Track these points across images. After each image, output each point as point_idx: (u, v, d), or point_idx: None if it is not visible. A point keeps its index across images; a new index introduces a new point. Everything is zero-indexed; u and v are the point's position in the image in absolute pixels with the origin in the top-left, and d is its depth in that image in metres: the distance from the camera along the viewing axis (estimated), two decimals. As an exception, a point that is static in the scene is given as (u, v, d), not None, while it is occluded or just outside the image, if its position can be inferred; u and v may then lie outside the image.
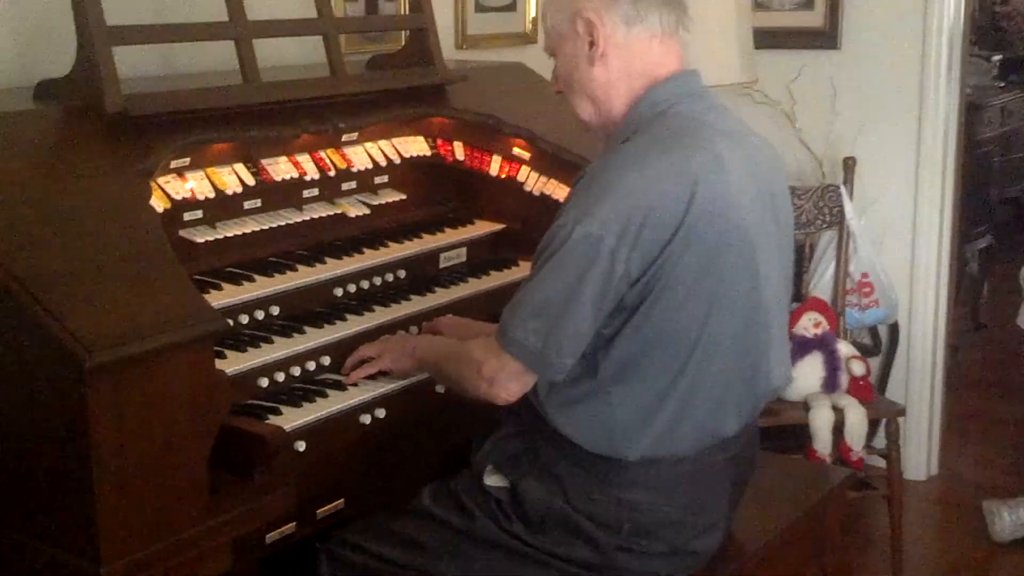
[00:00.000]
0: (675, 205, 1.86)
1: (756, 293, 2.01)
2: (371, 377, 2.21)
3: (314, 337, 2.19)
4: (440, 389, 2.31)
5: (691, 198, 1.87)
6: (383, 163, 2.52)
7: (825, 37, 3.99)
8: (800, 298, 3.64)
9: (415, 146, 2.61)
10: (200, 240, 2.21)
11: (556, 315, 1.89)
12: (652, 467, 2.00)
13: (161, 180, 2.08)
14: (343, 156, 2.43)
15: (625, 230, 1.84)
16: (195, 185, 2.15)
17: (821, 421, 3.21)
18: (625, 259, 1.85)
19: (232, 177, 2.22)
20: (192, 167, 2.16)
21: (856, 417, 3.24)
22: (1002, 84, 5.81)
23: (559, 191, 2.62)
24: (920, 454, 4.06)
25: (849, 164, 3.72)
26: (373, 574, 2.10)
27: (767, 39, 3.87)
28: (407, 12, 2.78)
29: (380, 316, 2.33)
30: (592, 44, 2.01)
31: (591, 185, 1.92)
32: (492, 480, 2.10)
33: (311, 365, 2.19)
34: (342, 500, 2.17)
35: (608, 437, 1.98)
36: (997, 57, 6.14)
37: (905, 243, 3.96)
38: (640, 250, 1.86)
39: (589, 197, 1.90)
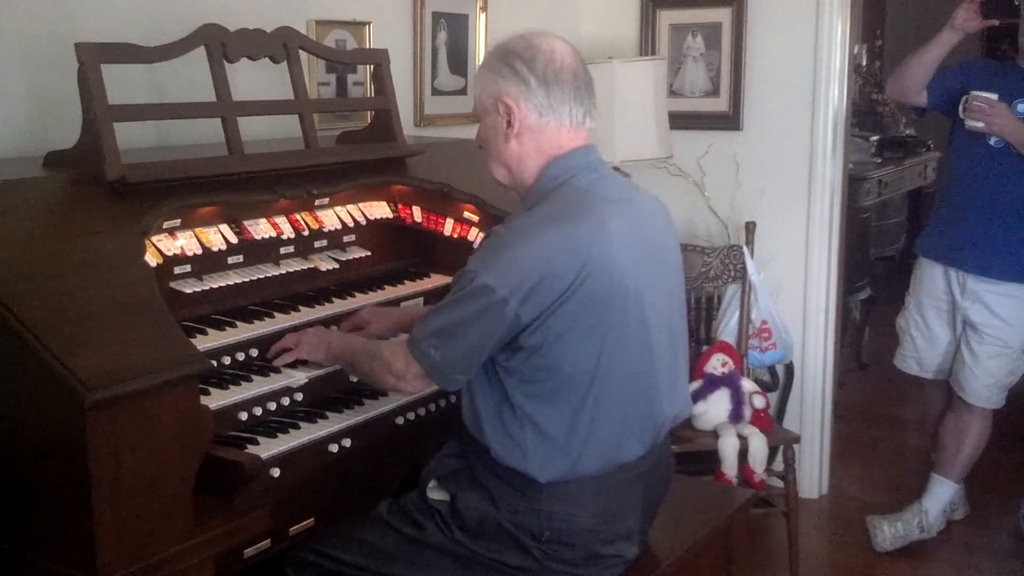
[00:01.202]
0: (566, 270, 1.91)
1: (646, 336, 2.03)
2: (337, 410, 2.19)
3: (288, 377, 2.16)
4: (400, 421, 2.30)
5: (581, 264, 1.91)
6: (351, 224, 2.51)
7: (729, 120, 4.03)
8: (710, 341, 3.67)
9: (379, 210, 2.61)
10: (188, 291, 2.18)
11: (452, 339, 1.95)
12: (565, 484, 2.00)
13: (155, 238, 2.06)
14: (316, 218, 2.42)
15: (518, 288, 1.89)
16: (185, 243, 2.13)
17: (728, 447, 3.22)
18: (515, 309, 1.90)
19: (217, 236, 2.20)
20: (182, 227, 2.14)
21: (758, 444, 3.25)
22: (879, 160, 5.90)
23: (503, 249, 2.62)
24: (813, 476, 4.07)
25: (750, 227, 3.76)
26: None
27: (680, 121, 3.92)
28: (373, 95, 2.78)
29: (347, 357, 2.30)
30: (509, 124, 2.04)
31: (496, 244, 1.96)
32: (435, 494, 2.10)
33: (286, 401, 2.16)
34: (312, 519, 2.14)
35: (523, 461, 1.99)
36: (875, 137, 6.24)
37: (798, 294, 4.00)
38: (530, 304, 1.90)
39: (492, 254, 1.94)
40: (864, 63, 6.88)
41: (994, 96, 3.35)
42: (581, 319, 1.93)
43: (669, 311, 2.11)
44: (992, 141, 3.40)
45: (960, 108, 3.43)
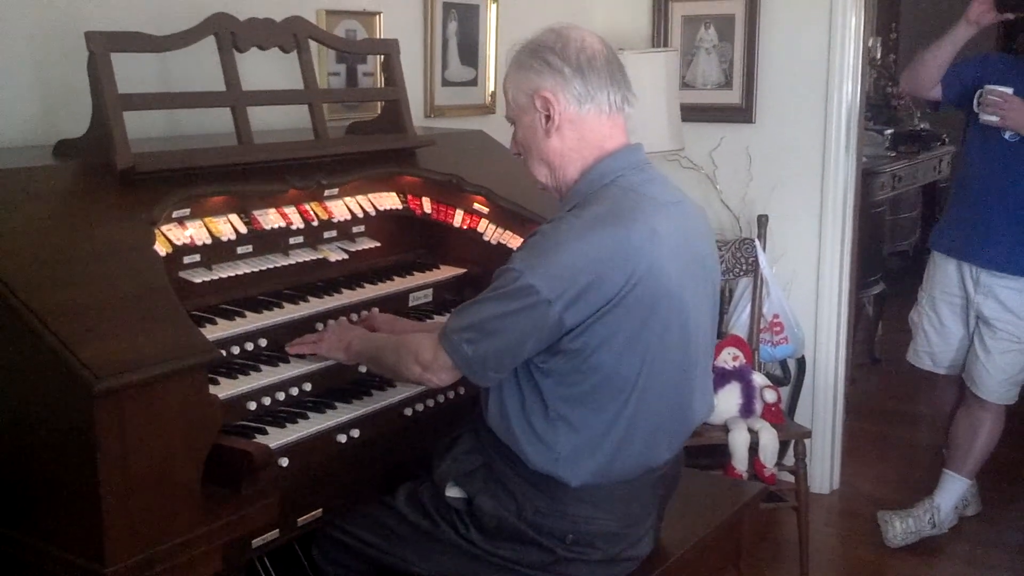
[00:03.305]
0: (616, 277, 1.87)
1: (686, 344, 2.01)
2: (346, 400, 2.19)
3: (297, 367, 2.17)
4: (408, 412, 2.30)
5: (630, 272, 1.87)
6: (360, 215, 2.51)
7: (742, 112, 4.03)
8: (721, 335, 3.65)
9: (388, 201, 2.61)
10: (198, 280, 2.19)
11: (488, 335, 1.90)
12: (594, 488, 1.99)
13: (164, 228, 2.07)
14: (325, 208, 2.42)
15: (564, 292, 1.85)
16: (194, 232, 2.13)
17: (739, 442, 3.22)
18: (559, 313, 1.86)
19: (227, 226, 2.20)
20: (192, 217, 2.14)
21: (769, 438, 3.25)
22: (893, 154, 5.88)
23: (514, 241, 2.63)
24: (824, 471, 4.07)
25: (762, 221, 3.76)
26: (359, 554, 2.10)
27: (692, 114, 3.92)
28: (383, 85, 2.78)
29: (356, 348, 2.31)
30: (548, 118, 2.00)
31: (542, 243, 1.91)
32: (452, 492, 2.08)
33: (294, 391, 2.16)
34: (320, 509, 2.15)
35: (554, 465, 1.97)
36: (889, 131, 6.22)
37: (810, 289, 3.99)
38: (575, 309, 1.87)
39: (539, 254, 1.90)
40: (878, 56, 6.85)
41: (1009, 90, 3.33)
42: (626, 325, 1.90)
43: (706, 318, 2.09)
44: (1007, 135, 3.39)
45: (975, 102, 3.42)
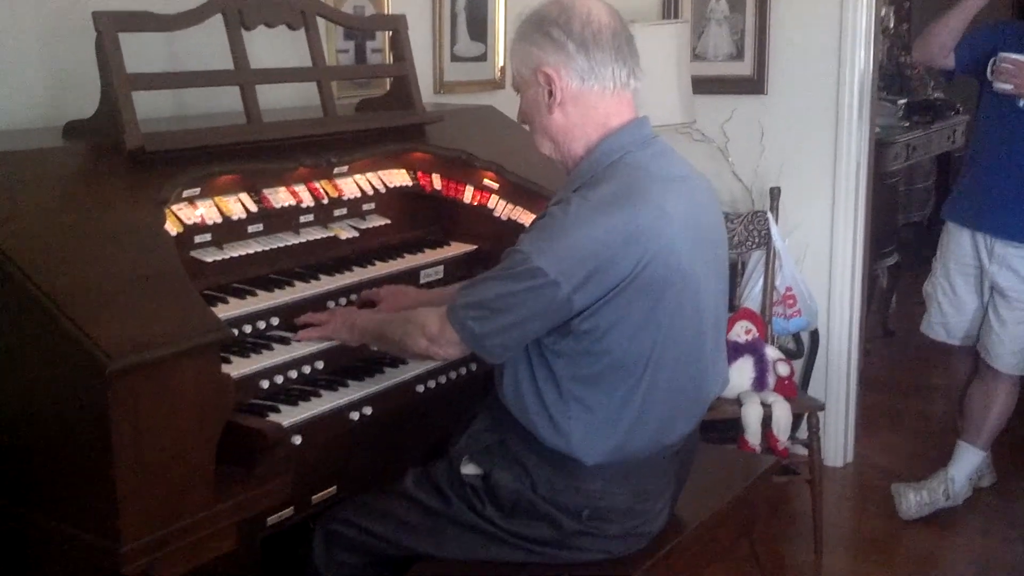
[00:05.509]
0: (626, 260, 1.86)
1: (698, 320, 2.01)
2: (358, 378, 2.20)
3: (309, 345, 2.17)
4: (420, 389, 2.31)
5: (640, 254, 1.86)
6: (370, 192, 2.51)
7: (754, 84, 3.99)
8: (733, 308, 3.64)
9: (398, 178, 2.60)
10: (209, 260, 2.20)
11: (495, 313, 1.90)
12: (607, 466, 1.99)
13: (175, 208, 2.07)
14: (335, 186, 2.42)
15: (573, 275, 1.85)
16: (204, 212, 2.14)
17: (752, 415, 3.22)
18: (567, 294, 1.85)
19: (237, 205, 2.21)
20: (202, 196, 2.14)
21: (782, 412, 3.25)
22: (907, 124, 5.84)
23: (524, 216, 2.62)
24: (837, 444, 4.07)
25: (775, 193, 3.74)
26: (361, 546, 2.09)
27: (704, 86, 3.89)
28: (391, 62, 2.78)
29: (367, 326, 2.31)
30: (551, 94, 1.98)
31: (551, 226, 1.90)
32: (468, 469, 2.08)
33: (307, 369, 2.17)
34: (334, 487, 2.17)
35: (567, 444, 1.97)
36: (902, 101, 6.17)
37: (824, 261, 3.98)
38: (584, 291, 1.86)
39: (547, 237, 1.89)
40: (891, 25, 6.79)
41: (1023, 57, 3.30)
42: (637, 306, 1.89)
43: (717, 293, 2.08)
44: (1021, 103, 3.36)
45: (988, 70, 3.39)
